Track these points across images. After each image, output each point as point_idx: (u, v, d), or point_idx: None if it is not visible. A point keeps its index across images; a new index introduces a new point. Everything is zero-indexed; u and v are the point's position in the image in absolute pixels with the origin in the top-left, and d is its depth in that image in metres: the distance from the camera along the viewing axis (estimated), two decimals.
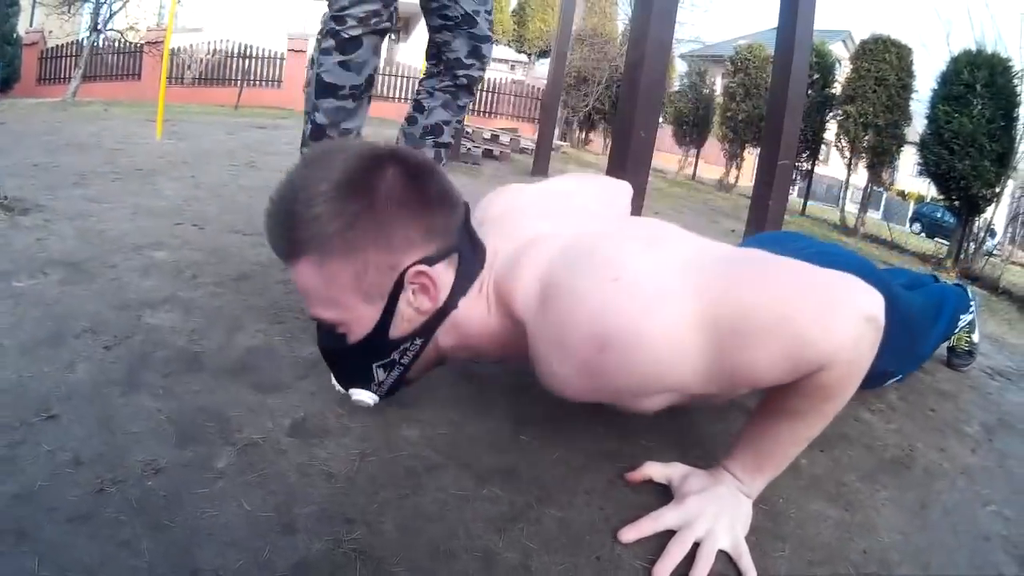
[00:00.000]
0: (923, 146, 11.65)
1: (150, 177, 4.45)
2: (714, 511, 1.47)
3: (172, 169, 4.92)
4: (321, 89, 2.59)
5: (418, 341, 1.55)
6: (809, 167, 16.45)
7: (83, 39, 21.62)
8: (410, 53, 26.75)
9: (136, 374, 1.74)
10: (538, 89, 18.66)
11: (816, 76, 14.91)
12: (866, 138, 13.83)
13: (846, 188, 16.23)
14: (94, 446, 1.43)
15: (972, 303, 2.99)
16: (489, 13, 2.98)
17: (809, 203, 17.17)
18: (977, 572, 1.59)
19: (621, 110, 3.46)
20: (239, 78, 21.64)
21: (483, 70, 3.11)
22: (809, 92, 14.60)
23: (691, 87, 19.86)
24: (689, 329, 1.28)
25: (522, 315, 1.47)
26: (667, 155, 21.08)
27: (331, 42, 2.55)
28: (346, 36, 2.54)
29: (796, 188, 19.21)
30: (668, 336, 1.28)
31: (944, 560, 1.59)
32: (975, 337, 3.06)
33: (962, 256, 11.31)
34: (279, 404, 1.70)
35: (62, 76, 22.91)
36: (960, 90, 11.09)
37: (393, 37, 24.37)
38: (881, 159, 13.97)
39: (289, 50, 23.94)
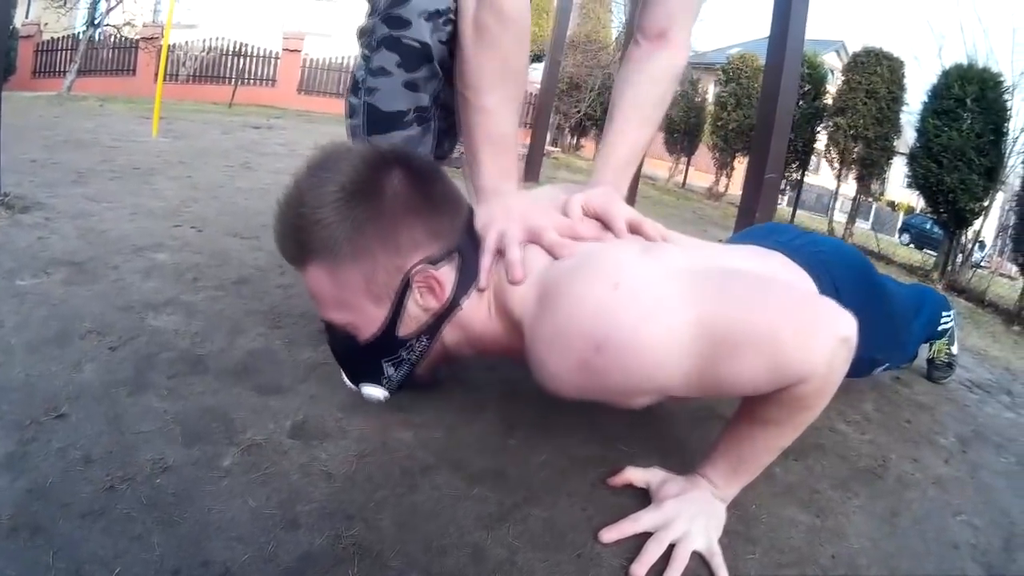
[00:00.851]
0: (912, 159, 11.63)
1: (148, 176, 4.49)
2: (690, 514, 1.52)
3: (169, 169, 4.96)
4: (378, 121, 1.97)
5: (425, 339, 1.60)
6: (799, 177, 16.47)
7: (79, 33, 21.54)
8: None
9: (142, 375, 1.79)
10: (532, 95, 18.65)
11: (807, 87, 14.92)
12: (856, 149, 13.80)
13: (835, 199, 16.24)
14: (104, 444, 1.48)
15: (950, 314, 3.01)
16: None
17: (799, 212, 17.18)
18: None
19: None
20: (234, 76, 21.61)
21: None
22: (800, 103, 14.60)
23: (683, 95, 19.83)
24: (683, 337, 1.32)
25: (519, 316, 1.51)
26: (658, 162, 21.10)
27: (389, 55, 1.90)
28: (415, 44, 1.89)
29: (786, 197, 19.21)
30: (663, 342, 1.33)
31: (912, 566, 1.63)
32: (954, 349, 3.09)
33: (949, 268, 11.34)
34: (280, 406, 1.75)
35: (58, 70, 22.81)
36: (950, 104, 11.07)
37: None
38: (870, 170, 13.93)
39: (284, 49, 23.85)
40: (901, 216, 34.71)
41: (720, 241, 2.57)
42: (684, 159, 20.49)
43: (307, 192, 1.45)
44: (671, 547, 1.48)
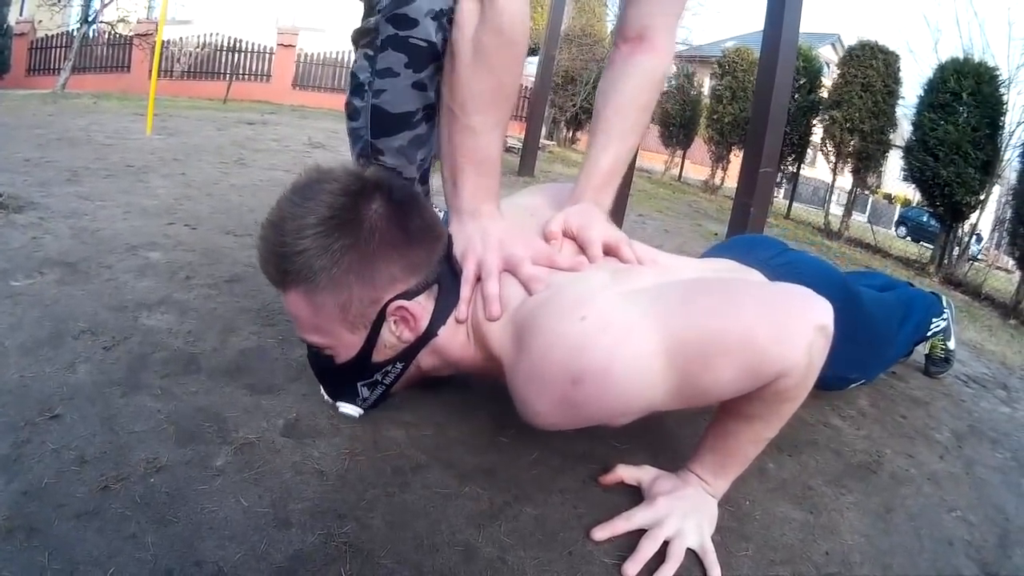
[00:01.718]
0: (908, 152, 11.66)
1: (141, 174, 4.49)
2: (683, 511, 1.53)
3: (163, 166, 4.95)
4: (385, 122, 1.95)
5: (399, 365, 1.63)
6: (795, 170, 16.47)
7: (73, 30, 21.51)
8: None
9: (135, 375, 1.79)
10: (527, 88, 18.62)
11: (803, 81, 14.93)
12: (852, 143, 13.82)
13: (831, 193, 16.24)
14: (98, 445, 1.48)
15: (946, 310, 3.00)
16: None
17: (795, 205, 17.16)
18: (938, 575, 1.64)
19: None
20: (228, 72, 21.59)
21: None
22: (796, 96, 14.65)
23: (679, 88, 19.83)
24: (655, 358, 1.34)
25: (498, 353, 1.55)
26: (654, 155, 21.10)
27: (397, 55, 1.86)
28: (423, 44, 1.85)
29: (782, 191, 19.21)
30: (637, 367, 1.34)
31: (906, 563, 1.64)
32: (951, 344, 3.09)
33: (945, 262, 11.35)
34: (273, 405, 1.75)
35: (52, 67, 22.78)
36: (946, 98, 11.09)
37: None
38: (866, 164, 13.95)
39: (279, 44, 23.82)
40: (898, 209, 34.68)
41: (702, 250, 2.57)
42: (680, 152, 20.45)
43: (288, 220, 1.46)
44: (665, 544, 1.48)
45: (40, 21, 23.69)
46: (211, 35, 23.46)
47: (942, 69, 11.49)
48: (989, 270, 11.46)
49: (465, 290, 1.63)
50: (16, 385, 1.67)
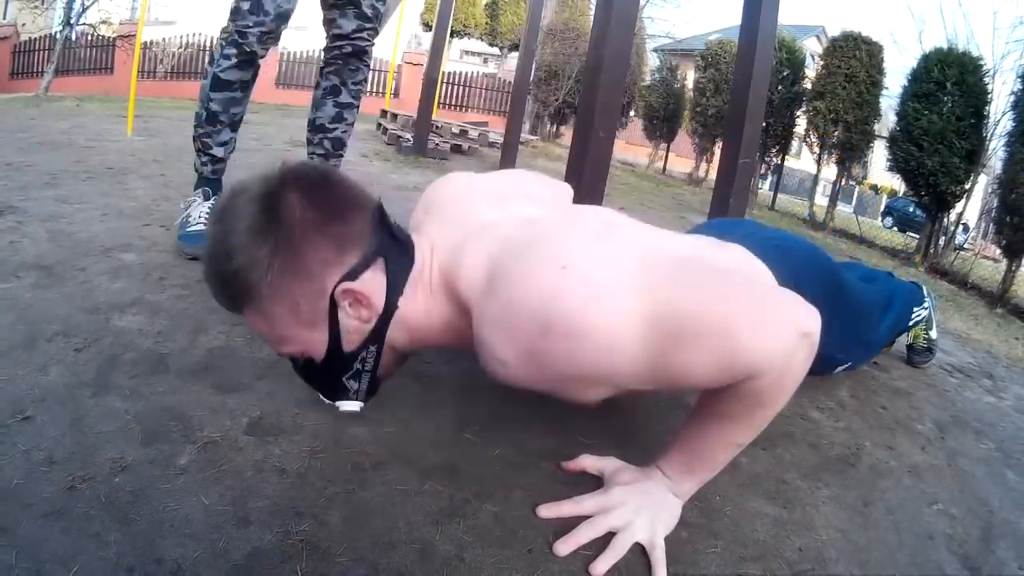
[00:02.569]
0: (893, 142, 11.65)
1: (120, 176, 4.49)
2: (636, 504, 1.52)
3: (142, 167, 4.94)
4: (216, 84, 3.17)
5: (372, 347, 1.59)
6: (779, 162, 16.48)
7: (56, 33, 21.46)
8: (379, 47, 26.59)
9: (105, 376, 1.81)
10: (509, 83, 18.62)
11: (787, 72, 14.95)
12: (836, 133, 13.84)
13: (815, 183, 16.26)
14: (66, 446, 1.50)
15: (927, 300, 3.01)
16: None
17: (780, 196, 17.17)
18: (918, 570, 1.62)
19: (581, 114, 3.53)
20: None
21: (369, 42, 3.54)
22: (779, 88, 14.67)
23: (662, 82, 19.83)
24: (632, 324, 1.31)
25: (467, 298, 1.52)
26: (638, 148, 21.10)
27: (233, 50, 3.07)
28: (248, 49, 3.07)
29: (767, 182, 19.22)
30: (611, 328, 1.31)
31: (884, 558, 1.63)
32: (933, 334, 3.09)
33: (931, 251, 11.37)
34: (238, 404, 1.76)
35: (35, 70, 22.67)
36: (930, 88, 11.09)
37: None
38: (851, 154, 13.96)
39: None
40: (884, 199, 34.71)
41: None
42: (664, 145, 20.43)
43: (217, 244, 1.46)
44: (613, 536, 1.47)
45: (23, 24, 23.61)
46: (194, 35, 23.38)
47: (926, 59, 11.48)
48: (976, 259, 11.47)
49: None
50: None
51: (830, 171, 15.04)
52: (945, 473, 2.12)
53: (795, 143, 16.17)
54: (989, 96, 11.11)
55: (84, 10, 20.21)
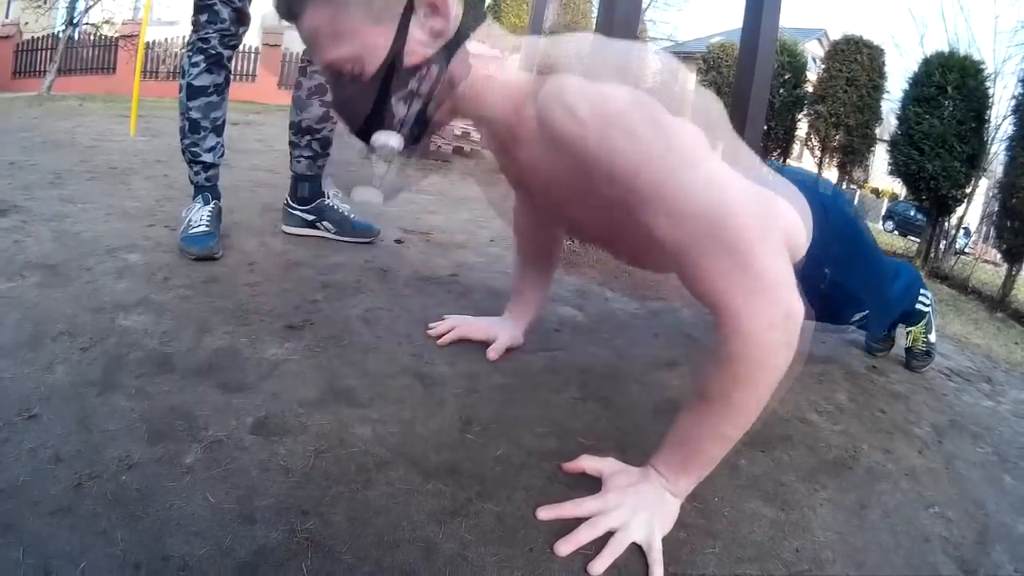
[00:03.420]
0: (893, 146, 11.65)
1: (124, 176, 4.52)
2: (633, 505, 1.51)
3: (146, 168, 4.98)
4: (192, 92, 3.20)
5: (434, 68, 1.55)
6: (781, 165, 16.47)
7: (59, 32, 21.45)
8: None
9: (111, 375, 1.82)
10: None
11: (788, 76, 14.95)
12: (837, 137, 13.85)
13: None
14: (73, 444, 1.50)
15: (929, 297, 3.02)
16: None
17: None
18: (914, 572, 1.62)
19: None
20: None
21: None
22: (781, 91, 14.66)
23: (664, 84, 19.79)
24: (698, 171, 1.39)
25: (551, 61, 1.54)
26: None
27: (200, 56, 3.16)
28: (213, 52, 3.16)
29: None
30: (682, 144, 1.40)
31: (880, 560, 1.63)
32: (932, 337, 3.08)
33: (932, 255, 11.38)
34: (243, 403, 1.77)
35: (38, 70, 22.67)
36: (931, 92, 11.08)
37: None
38: (851, 158, 13.97)
39: (263, 44, 23.69)
40: (885, 203, 34.70)
41: None
42: None
43: None
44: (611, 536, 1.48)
45: (26, 23, 23.58)
46: None
47: (927, 63, 11.47)
48: (976, 263, 11.48)
49: None
50: None
51: (830, 174, 15.05)
52: (942, 476, 2.12)
53: (796, 146, 16.18)
54: (990, 100, 11.11)
55: (87, 10, 20.22)
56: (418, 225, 4.21)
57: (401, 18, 1.47)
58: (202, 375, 1.90)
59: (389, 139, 1.61)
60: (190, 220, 3.06)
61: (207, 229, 3.00)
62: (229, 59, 3.28)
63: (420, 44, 1.51)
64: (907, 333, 3.06)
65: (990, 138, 11.15)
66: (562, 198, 1.68)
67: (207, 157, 3.31)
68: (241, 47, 20.30)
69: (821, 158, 14.36)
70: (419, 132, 1.65)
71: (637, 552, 1.46)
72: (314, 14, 1.47)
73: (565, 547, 1.43)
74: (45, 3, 20.98)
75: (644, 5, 22.34)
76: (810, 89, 15.02)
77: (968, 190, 11.15)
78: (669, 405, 2.14)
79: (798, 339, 1.39)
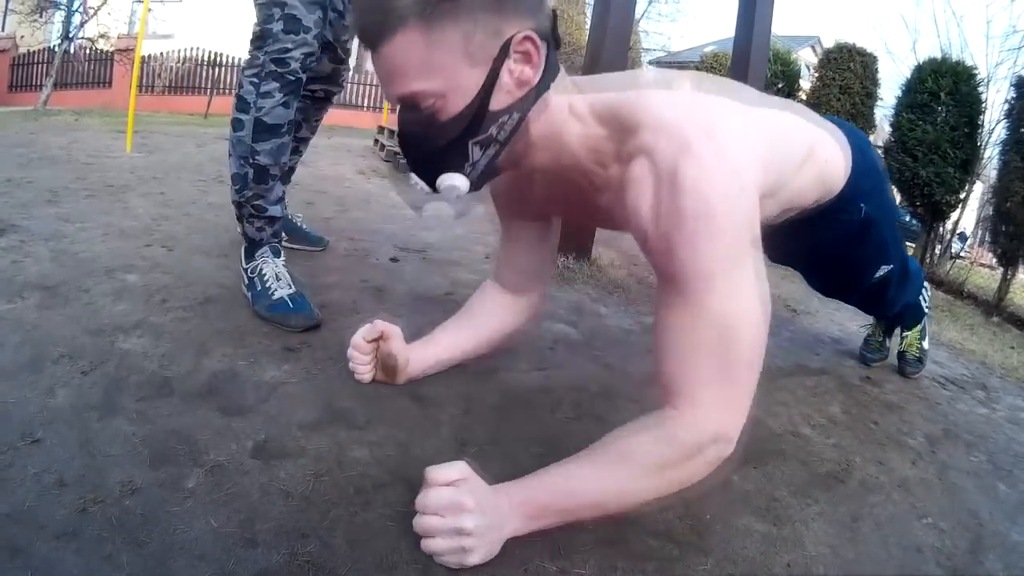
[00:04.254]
0: (887, 153, 11.66)
1: (121, 194, 4.53)
2: (495, 534, 1.45)
3: (142, 185, 4.98)
4: (262, 130, 2.67)
5: (516, 115, 1.53)
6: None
7: (54, 46, 21.46)
8: None
9: (112, 399, 1.83)
10: None
11: (781, 84, 14.97)
12: None
13: None
14: (76, 468, 1.52)
15: (928, 300, 3.08)
16: (347, 42, 3.13)
17: None
18: None
19: None
20: (209, 86, 21.51)
21: (342, 87, 3.46)
22: None
23: None
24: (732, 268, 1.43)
25: (631, 117, 1.52)
26: None
27: (274, 84, 2.62)
28: (292, 78, 2.64)
29: None
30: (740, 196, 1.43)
31: (872, 572, 1.65)
32: (926, 344, 3.13)
33: (927, 261, 11.40)
34: (243, 427, 1.79)
35: (34, 83, 22.65)
36: (924, 98, 11.10)
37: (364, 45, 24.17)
38: None
39: None
40: None
41: None
42: None
43: None
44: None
45: (22, 37, 23.57)
46: (192, 49, 23.35)
47: (919, 69, 11.50)
48: (972, 267, 11.52)
49: None
50: None
51: None
52: (935, 487, 2.14)
53: None
54: (983, 105, 11.14)
55: (82, 24, 20.22)
56: (414, 243, 4.22)
57: (494, 62, 1.45)
58: (202, 398, 1.91)
59: (457, 182, 1.58)
60: (265, 279, 2.65)
61: (294, 290, 2.60)
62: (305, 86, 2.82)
63: (506, 91, 1.50)
64: (902, 337, 3.08)
65: (984, 143, 11.19)
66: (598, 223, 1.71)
67: (275, 210, 2.85)
68: (236, 61, 20.13)
69: None
70: (487, 178, 1.64)
71: None
72: (406, 43, 1.42)
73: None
74: (41, 17, 20.97)
75: (637, 16, 22.36)
76: (804, 97, 15.04)
77: (962, 196, 11.18)
78: None
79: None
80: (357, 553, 1.41)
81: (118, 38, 22.70)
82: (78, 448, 1.60)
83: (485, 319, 2.30)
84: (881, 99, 14.00)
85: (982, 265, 13.88)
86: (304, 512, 1.50)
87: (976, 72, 11.24)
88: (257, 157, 2.70)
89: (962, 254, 13.79)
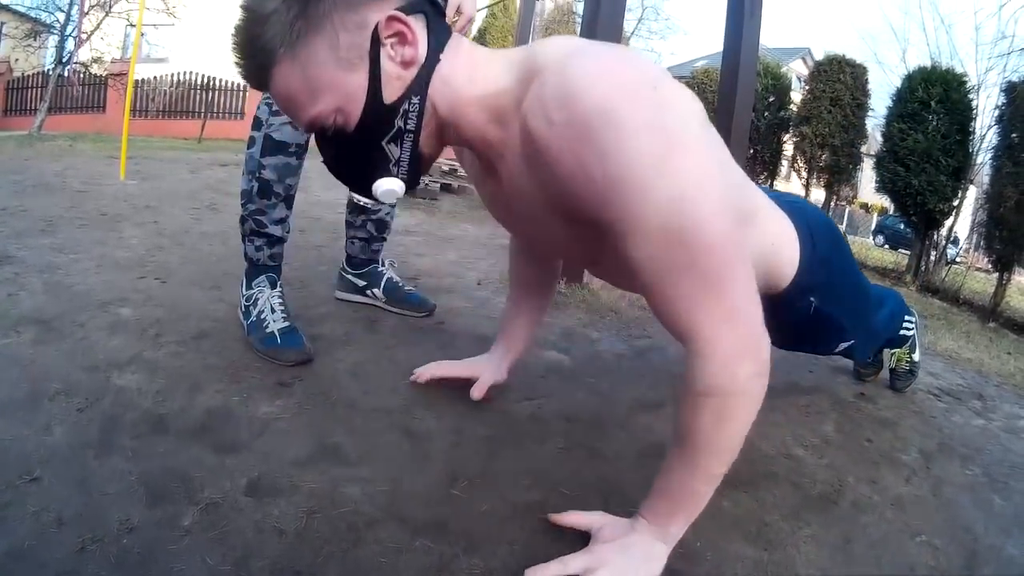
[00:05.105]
0: (879, 163, 11.73)
1: (114, 223, 4.55)
2: (621, 563, 1.50)
3: (136, 214, 5.00)
4: (271, 147, 2.73)
5: (415, 99, 1.48)
6: (768, 187, 16.57)
7: (48, 70, 21.49)
8: None
9: (108, 436, 1.85)
10: None
11: (772, 98, 15.04)
12: (823, 157, 13.93)
13: None
14: (74, 507, 1.54)
15: (913, 320, 3.03)
16: None
17: None
18: None
19: None
20: (202, 110, 21.54)
21: None
22: (765, 114, 14.77)
23: None
24: (671, 185, 1.28)
25: (534, 60, 1.44)
26: None
27: None
28: None
29: None
30: (659, 165, 1.27)
31: None
32: (916, 356, 3.10)
33: (922, 269, 11.44)
34: (236, 464, 1.80)
35: (28, 108, 22.71)
36: (915, 107, 11.17)
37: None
38: (838, 177, 14.07)
39: None
40: (875, 218, 34.76)
41: None
42: None
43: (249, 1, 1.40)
44: None
45: (16, 61, 23.62)
46: (186, 73, 23.39)
47: (910, 78, 11.57)
48: (968, 272, 11.56)
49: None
50: None
51: (819, 192, 15.13)
52: (929, 503, 2.13)
53: (784, 167, 16.26)
54: (974, 112, 11.21)
55: (76, 48, 20.25)
56: (406, 269, 4.18)
57: (370, 55, 1.42)
58: (196, 435, 1.93)
59: (392, 186, 1.56)
60: (260, 312, 2.67)
61: (288, 324, 2.61)
62: None
63: (395, 78, 1.46)
64: (891, 355, 3.08)
65: (975, 148, 11.24)
66: (543, 223, 1.61)
67: (274, 230, 2.86)
68: (229, 85, 20.11)
69: (808, 178, 14.45)
70: (417, 169, 1.60)
71: None
72: (284, 76, 1.43)
73: None
74: (35, 41, 21.03)
75: (627, 33, 22.41)
76: (795, 109, 15.11)
77: (955, 203, 11.22)
78: (653, 450, 2.15)
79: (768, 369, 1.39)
80: None
81: (112, 62, 22.75)
82: (76, 486, 1.62)
83: (539, 299, 2.41)
84: (872, 109, 14.14)
85: (978, 269, 13.91)
86: (297, 549, 1.51)
87: (966, 79, 11.33)
88: (263, 172, 2.76)
89: (958, 259, 13.83)
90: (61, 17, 20.28)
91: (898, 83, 11.94)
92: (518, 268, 2.37)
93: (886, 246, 26.13)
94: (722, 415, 1.41)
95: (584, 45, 1.42)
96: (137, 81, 18.58)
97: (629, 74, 1.32)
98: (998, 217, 9.45)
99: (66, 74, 21.21)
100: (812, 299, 2.03)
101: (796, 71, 19.24)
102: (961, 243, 15.88)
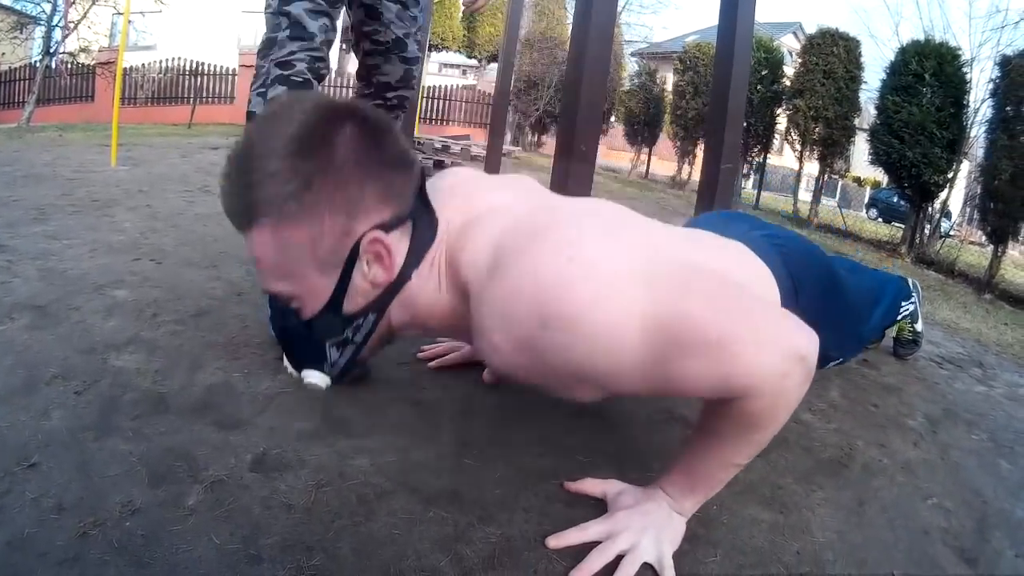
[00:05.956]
0: (874, 136, 11.76)
1: (107, 208, 4.50)
2: (640, 525, 1.51)
3: (128, 199, 4.96)
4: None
5: (371, 317, 1.54)
6: (761, 160, 16.57)
7: (36, 62, 21.43)
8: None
9: (107, 418, 1.80)
10: (489, 94, 18.58)
11: (765, 72, 15.03)
12: (816, 130, 13.94)
13: (798, 181, 16.35)
14: (74, 491, 1.50)
15: (914, 294, 3.02)
16: (419, 32, 3.04)
17: (764, 194, 17.30)
18: (915, 566, 1.63)
19: (562, 126, 3.56)
20: (192, 96, 21.50)
21: (413, 90, 3.21)
22: (759, 87, 14.77)
23: (641, 87, 19.88)
24: (633, 326, 1.29)
25: (467, 280, 1.46)
26: (620, 153, 21.17)
27: (280, 88, 2.41)
28: (298, 79, 2.43)
29: (751, 180, 19.29)
30: (612, 328, 1.29)
31: (880, 556, 1.64)
32: (918, 326, 3.13)
33: (917, 242, 11.44)
34: (240, 440, 1.76)
35: (16, 100, 22.69)
36: (909, 80, 11.21)
37: (344, 48, 23.91)
38: (832, 150, 14.08)
39: (240, 65, 23.63)
40: (868, 191, 34.80)
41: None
42: (645, 149, 20.45)
43: (257, 144, 1.38)
44: (620, 559, 1.46)
45: (3, 54, 23.56)
46: (174, 60, 23.36)
47: (903, 52, 11.60)
48: (962, 246, 11.59)
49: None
50: None
51: (812, 166, 15.14)
52: (938, 467, 2.14)
53: (777, 139, 16.27)
54: (968, 85, 11.24)
55: (64, 39, 20.19)
56: None
57: (345, 266, 1.46)
58: (198, 413, 1.89)
59: (318, 380, 1.62)
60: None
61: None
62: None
63: (360, 294, 1.51)
64: (895, 323, 3.06)
65: (970, 122, 11.26)
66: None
67: None
68: (218, 70, 20.11)
69: (802, 151, 14.45)
70: (350, 371, 1.66)
71: (649, 572, 1.47)
72: (261, 241, 1.43)
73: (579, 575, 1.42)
74: (21, 33, 20.97)
75: (619, 8, 22.55)
76: (788, 83, 15.12)
77: (950, 175, 11.23)
78: (663, 416, 2.14)
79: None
80: (363, 563, 1.39)
81: (99, 51, 22.69)
82: (75, 471, 1.58)
83: None
84: (865, 82, 14.14)
85: (972, 243, 13.96)
86: (307, 524, 1.48)
87: (960, 52, 11.37)
88: None
89: (952, 232, 13.85)
90: (47, 8, 20.24)
91: (891, 56, 11.96)
92: None
93: (879, 219, 26.17)
94: (765, 422, 1.41)
95: (505, 256, 1.43)
96: (126, 69, 18.54)
97: (540, 296, 1.33)
98: (993, 190, 9.47)
99: (54, 65, 21.16)
100: None
101: (788, 46, 19.23)
102: (954, 217, 15.92)
